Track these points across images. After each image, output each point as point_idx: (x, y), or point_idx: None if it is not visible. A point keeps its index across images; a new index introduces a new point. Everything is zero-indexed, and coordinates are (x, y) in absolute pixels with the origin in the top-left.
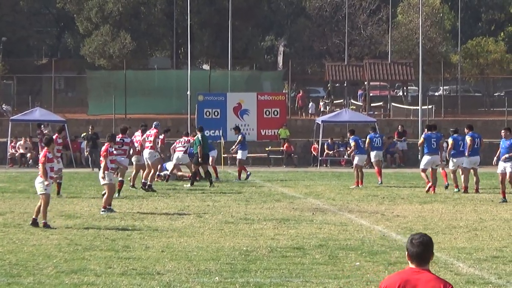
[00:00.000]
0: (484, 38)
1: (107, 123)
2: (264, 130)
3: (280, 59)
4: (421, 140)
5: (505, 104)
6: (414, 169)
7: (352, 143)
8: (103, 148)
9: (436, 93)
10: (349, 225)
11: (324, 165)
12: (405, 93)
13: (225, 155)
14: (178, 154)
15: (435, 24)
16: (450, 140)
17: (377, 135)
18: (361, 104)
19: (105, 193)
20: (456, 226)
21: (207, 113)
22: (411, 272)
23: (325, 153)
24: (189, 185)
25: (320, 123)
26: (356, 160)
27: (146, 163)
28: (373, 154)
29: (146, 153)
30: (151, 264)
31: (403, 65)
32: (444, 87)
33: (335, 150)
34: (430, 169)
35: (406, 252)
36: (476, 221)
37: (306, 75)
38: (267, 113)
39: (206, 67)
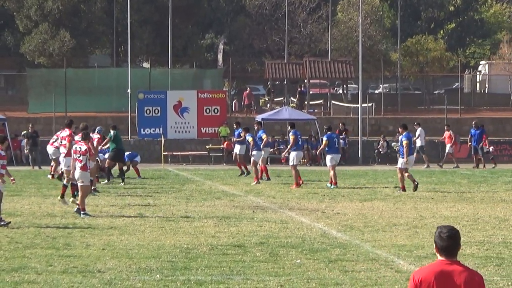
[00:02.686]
0: (424, 36)
1: (47, 121)
2: (205, 128)
3: (220, 57)
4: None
5: (445, 102)
6: (354, 167)
7: (292, 137)
8: (85, 147)
9: (376, 91)
10: (290, 223)
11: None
12: (345, 91)
13: (165, 153)
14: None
15: (375, 22)
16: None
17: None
18: (296, 101)
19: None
20: (397, 223)
21: (148, 111)
22: (442, 264)
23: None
24: (122, 183)
25: (260, 120)
26: (291, 158)
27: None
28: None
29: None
30: (92, 262)
31: (343, 63)
32: (384, 85)
33: (275, 148)
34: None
35: (435, 245)
36: (416, 219)
37: (246, 73)
38: (207, 111)
39: (146, 65)
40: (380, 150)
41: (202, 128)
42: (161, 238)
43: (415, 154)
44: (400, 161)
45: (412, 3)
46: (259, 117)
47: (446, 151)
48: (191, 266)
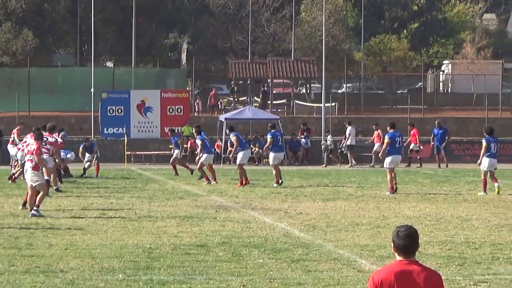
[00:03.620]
0: (387, 35)
1: (10, 120)
2: (168, 128)
3: (183, 56)
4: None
5: (408, 102)
6: (316, 166)
7: (233, 138)
8: (35, 147)
9: (339, 91)
10: (252, 223)
11: (227, 162)
12: (308, 91)
13: (129, 152)
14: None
15: (339, 22)
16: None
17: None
18: (259, 101)
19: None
20: (359, 223)
21: (111, 111)
22: (401, 264)
23: (228, 150)
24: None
25: (223, 120)
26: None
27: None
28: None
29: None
30: (54, 262)
31: (306, 62)
32: (347, 85)
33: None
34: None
35: (392, 245)
36: (378, 219)
37: (210, 72)
38: (171, 110)
39: (110, 64)
40: (343, 149)
41: (165, 128)
42: (123, 238)
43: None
44: (387, 160)
45: (375, 3)
46: (222, 117)
47: (375, 149)
48: (154, 266)
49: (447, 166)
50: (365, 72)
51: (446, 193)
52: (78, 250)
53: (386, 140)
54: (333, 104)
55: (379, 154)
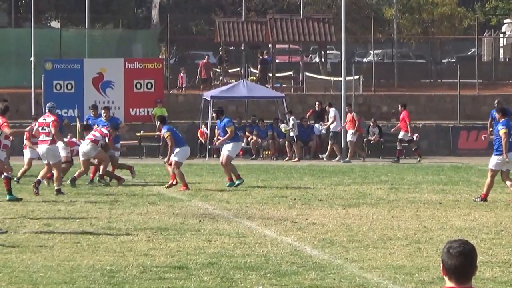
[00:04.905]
0: None
1: None
2: (134, 109)
3: (155, 13)
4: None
5: (457, 74)
6: (336, 161)
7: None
8: None
9: (365, 59)
10: (249, 237)
11: (215, 155)
12: (323, 59)
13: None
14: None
15: None
16: None
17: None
18: (257, 73)
19: None
20: (392, 237)
21: (58, 86)
22: None
23: (215, 139)
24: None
25: (209, 99)
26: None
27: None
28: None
29: (43, 148)
30: None
31: (320, 21)
32: (376, 51)
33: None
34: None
35: (442, 265)
36: (418, 231)
37: (190, 35)
38: (138, 86)
39: (55, 24)
40: (371, 139)
41: (131, 109)
42: (75, 258)
43: None
44: (494, 159)
45: None
46: (207, 95)
47: (349, 139)
48: None
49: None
50: (399, 34)
51: (509, 196)
52: (15, 274)
53: (502, 131)
54: (356, 77)
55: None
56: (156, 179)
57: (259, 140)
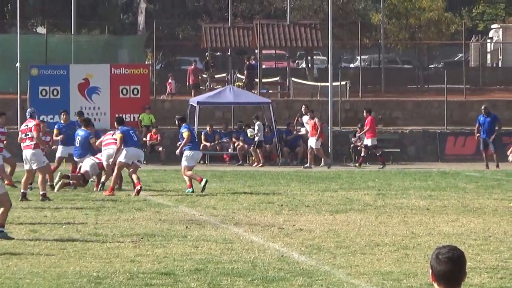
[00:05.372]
0: None
1: None
2: (121, 115)
3: (141, 19)
4: None
5: (445, 80)
6: (321, 167)
7: (185, 133)
8: None
9: (352, 65)
10: (236, 243)
11: (201, 161)
12: (309, 65)
13: None
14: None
15: None
16: None
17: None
18: (244, 79)
19: None
20: (380, 243)
21: (43, 92)
22: None
23: (201, 145)
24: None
25: (195, 105)
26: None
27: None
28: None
29: (28, 153)
30: None
31: (307, 27)
32: (363, 57)
33: (216, 142)
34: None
35: (431, 271)
36: (406, 237)
37: (177, 40)
38: (124, 91)
39: (41, 30)
40: (358, 144)
41: (117, 115)
42: (62, 264)
43: None
44: None
45: None
46: (193, 100)
47: (311, 145)
48: None
49: (497, 166)
50: (386, 40)
51: (496, 201)
52: (0, 281)
53: None
54: (343, 83)
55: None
56: (144, 186)
57: (245, 146)
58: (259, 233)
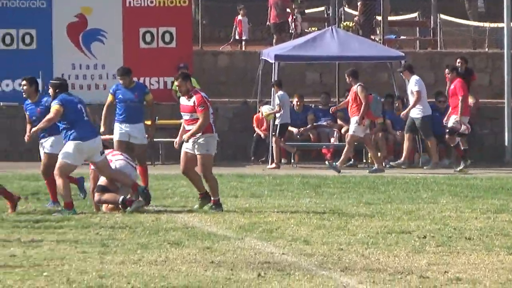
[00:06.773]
0: None
1: None
2: (142, 79)
3: None
4: None
5: None
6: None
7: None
8: None
9: None
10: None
11: (282, 159)
12: None
13: None
14: None
15: None
16: None
17: None
18: (357, 15)
19: None
20: None
21: (7, 39)
22: None
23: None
24: None
25: (271, 61)
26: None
27: None
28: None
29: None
30: None
31: None
32: None
33: (308, 126)
34: None
35: None
36: None
37: None
38: (148, 38)
39: None
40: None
41: (135, 80)
42: None
43: None
44: None
45: None
46: (268, 53)
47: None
48: None
49: None
50: None
51: None
52: None
53: None
54: None
55: None
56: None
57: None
58: (385, 285)
